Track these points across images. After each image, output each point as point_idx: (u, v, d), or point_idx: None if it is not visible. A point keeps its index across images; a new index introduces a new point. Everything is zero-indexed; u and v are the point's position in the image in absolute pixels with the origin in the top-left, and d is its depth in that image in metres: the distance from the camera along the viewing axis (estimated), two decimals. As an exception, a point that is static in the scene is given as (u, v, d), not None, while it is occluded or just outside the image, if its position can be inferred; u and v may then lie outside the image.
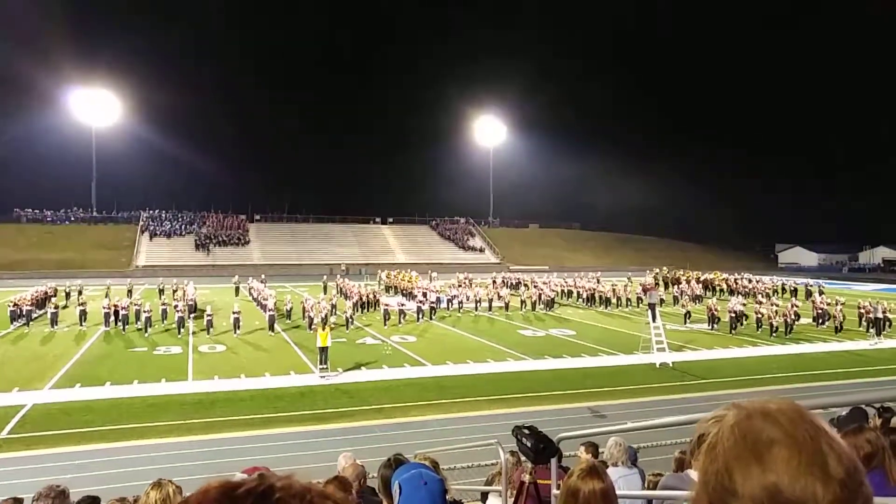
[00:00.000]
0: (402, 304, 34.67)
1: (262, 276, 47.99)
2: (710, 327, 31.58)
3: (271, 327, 29.32)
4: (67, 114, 79.40)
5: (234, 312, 29.54)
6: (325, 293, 42.37)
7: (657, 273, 55.90)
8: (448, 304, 38.02)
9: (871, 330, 29.55)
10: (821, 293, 40.69)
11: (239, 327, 28.81)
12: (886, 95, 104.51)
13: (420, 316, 33.93)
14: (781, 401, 0.88)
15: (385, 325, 31.26)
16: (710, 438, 0.88)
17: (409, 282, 45.42)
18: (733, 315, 31.48)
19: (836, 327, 30.67)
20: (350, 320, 30.98)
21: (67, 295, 40.49)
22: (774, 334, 29.59)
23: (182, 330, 28.70)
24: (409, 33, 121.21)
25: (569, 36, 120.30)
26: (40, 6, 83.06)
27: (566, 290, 45.67)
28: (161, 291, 40.60)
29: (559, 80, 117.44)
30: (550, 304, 39.98)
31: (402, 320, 32.55)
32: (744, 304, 33.29)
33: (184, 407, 17.20)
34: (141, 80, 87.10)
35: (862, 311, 30.88)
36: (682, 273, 53.94)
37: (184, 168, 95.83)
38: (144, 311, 29.67)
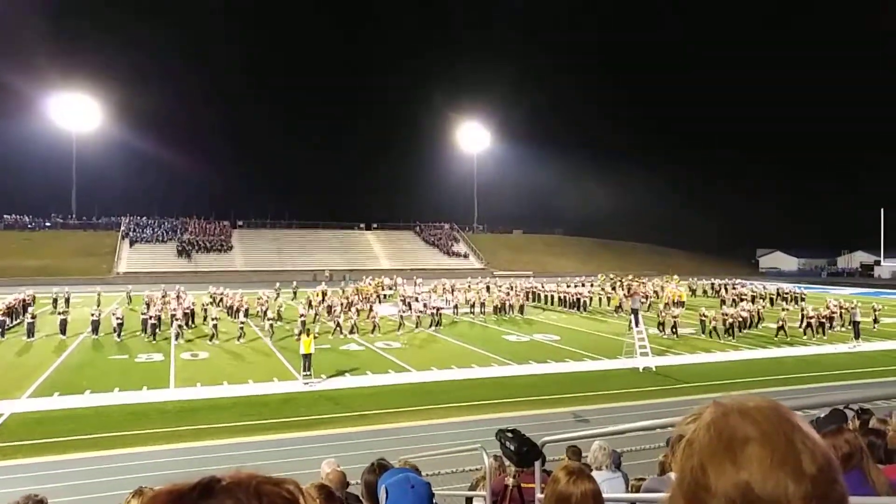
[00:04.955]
0: (403, 312, 34.32)
1: (277, 285, 45.54)
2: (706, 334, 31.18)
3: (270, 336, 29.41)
4: (47, 119, 78.39)
5: (240, 322, 30.18)
6: (294, 298, 42.24)
7: (604, 279, 54.99)
8: (436, 312, 37.65)
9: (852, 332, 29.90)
10: (802, 299, 41.32)
11: (243, 335, 28.87)
12: (868, 102, 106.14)
13: (418, 324, 33.14)
14: (760, 398, 0.88)
15: (372, 332, 30.77)
16: (687, 436, 0.89)
17: (374, 289, 44.42)
18: (739, 320, 31.54)
19: (816, 330, 31.04)
20: (340, 327, 30.70)
21: (55, 302, 38.56)
22: (741, 333, 30.52)
23: (179, 338, 28.59)
24: (396, 41, 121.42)
25: (552, 43, 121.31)
26: (19, 9, 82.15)
27: (546, 296, 45.56)
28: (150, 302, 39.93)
29: (543, 86, 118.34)
30: (521, 309, 39.57)
31: (400, 329, 32.01)
32: (746, 311, 33.35)
33: (165, 415, 17.00)
34: (122, 84, 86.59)
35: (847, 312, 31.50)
36: (627, 279, 53.11)
37: (165, 174, 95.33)
38: (151, 319, 29.33)
